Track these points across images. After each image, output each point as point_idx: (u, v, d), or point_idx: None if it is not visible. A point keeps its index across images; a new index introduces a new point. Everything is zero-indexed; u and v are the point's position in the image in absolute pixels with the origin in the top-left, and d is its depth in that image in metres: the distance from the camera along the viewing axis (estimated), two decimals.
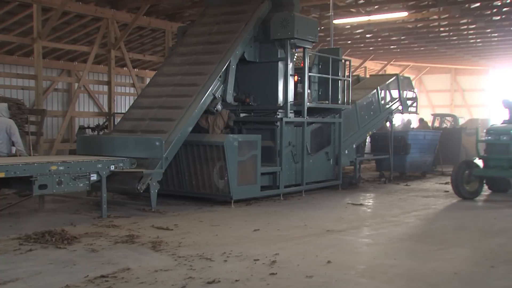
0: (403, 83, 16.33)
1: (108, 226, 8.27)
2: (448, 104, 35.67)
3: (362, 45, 24.92)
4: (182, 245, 7.05)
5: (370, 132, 15.07)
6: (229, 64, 10.90)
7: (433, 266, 6.23)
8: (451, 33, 22.22)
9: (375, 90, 14.96)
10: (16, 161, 8.49)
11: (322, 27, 18.45)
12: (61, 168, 8.32)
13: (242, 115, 11.88)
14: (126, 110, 13.36)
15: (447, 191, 12.83)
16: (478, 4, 17.01)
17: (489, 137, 11.74)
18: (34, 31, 14.23)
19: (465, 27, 20.67)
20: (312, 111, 12.24)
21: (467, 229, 8.59)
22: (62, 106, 19.28)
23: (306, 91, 11.76)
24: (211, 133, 10.91)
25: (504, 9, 17.78)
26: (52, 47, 16.58)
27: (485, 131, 12.51)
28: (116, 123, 12.70)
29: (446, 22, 19.82)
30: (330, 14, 14.64)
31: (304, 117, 11.74)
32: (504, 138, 11.26)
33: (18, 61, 17.70)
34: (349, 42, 23.90)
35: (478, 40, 23.66)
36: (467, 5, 16.91)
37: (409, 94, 16.62)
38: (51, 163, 8.27)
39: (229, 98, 11.07)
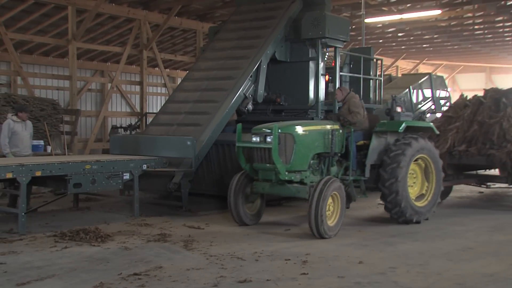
0: (436, 82, 16.07)
1: (140, 224, 8.39)
2: None
3: (394, 44, 24.63)
4: (214, 244, 7.10)
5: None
6: (260, 63, 10.90)
7: (468, 268, 6.12)
8: (486, 31, 21.76)
9: (407, 90, 14.77)
10: (52, 160, 8.67)
11: (354, 26, 18.26)
12: (95, 167, 8.45)
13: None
14: (158, 110, 13.46)
15: (482, 192, 12.61)
16: None
17: (254, 139, 8.20)
18: (69, 32, 14.52)
19: (501, 24, 20.23)
20: None
21: (503, 231, 8.41)
22: (95, 106, 19.60)
23: None
24: None
25: None
26: (86, 48, 16.86)
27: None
28: (148, 123, 12.80)
29: (481, 20, 19.42)
30: (361, 13, 14.52)
31: None
32: (269, 139, 7.93)
33: (53, 62, 18.08)
34: (381, 41, 23.65)
35: None
36: (503, 2, 16.54)
37: (442, 94, 16.34)
38: (85, 162, 8.41)
39: (260, 98, 11.06)
